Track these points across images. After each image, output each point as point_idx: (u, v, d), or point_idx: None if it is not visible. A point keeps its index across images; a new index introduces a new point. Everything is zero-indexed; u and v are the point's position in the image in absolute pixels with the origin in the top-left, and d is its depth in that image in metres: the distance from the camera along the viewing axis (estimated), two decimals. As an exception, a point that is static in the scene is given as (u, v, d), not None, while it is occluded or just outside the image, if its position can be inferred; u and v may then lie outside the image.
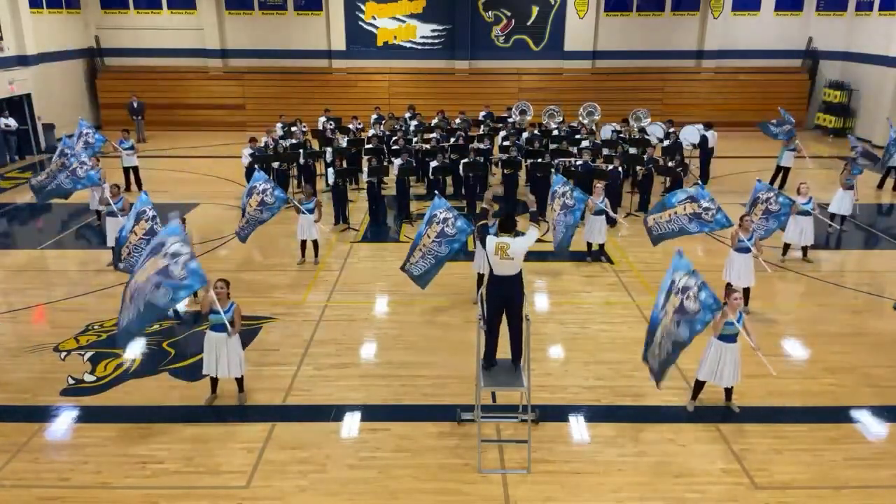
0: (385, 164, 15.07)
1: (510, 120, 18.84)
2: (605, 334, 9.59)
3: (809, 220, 11.79)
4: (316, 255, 12.22)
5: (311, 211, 11.76)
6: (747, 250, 9.78)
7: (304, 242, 12.03)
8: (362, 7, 24.56)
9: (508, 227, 6.92)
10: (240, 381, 7.86)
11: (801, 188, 11.81)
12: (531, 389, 7.01)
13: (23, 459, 6.93)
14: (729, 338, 7.35)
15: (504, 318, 7.00)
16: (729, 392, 7.78)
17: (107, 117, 24.27)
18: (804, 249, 12.23)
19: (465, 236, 10.01)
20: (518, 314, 6.91)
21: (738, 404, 7.78)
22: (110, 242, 11.77)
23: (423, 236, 9.80)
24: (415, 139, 16.79)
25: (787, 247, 12.21)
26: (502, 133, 17.12)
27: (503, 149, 15.95)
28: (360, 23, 24.71)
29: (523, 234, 6.98)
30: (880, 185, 17.13)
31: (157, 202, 13.64)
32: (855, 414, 7.74)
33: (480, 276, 10.28)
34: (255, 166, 14.95)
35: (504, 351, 7.19)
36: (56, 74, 22.43)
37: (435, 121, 18.34)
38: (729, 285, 10.20)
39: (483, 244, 7.00)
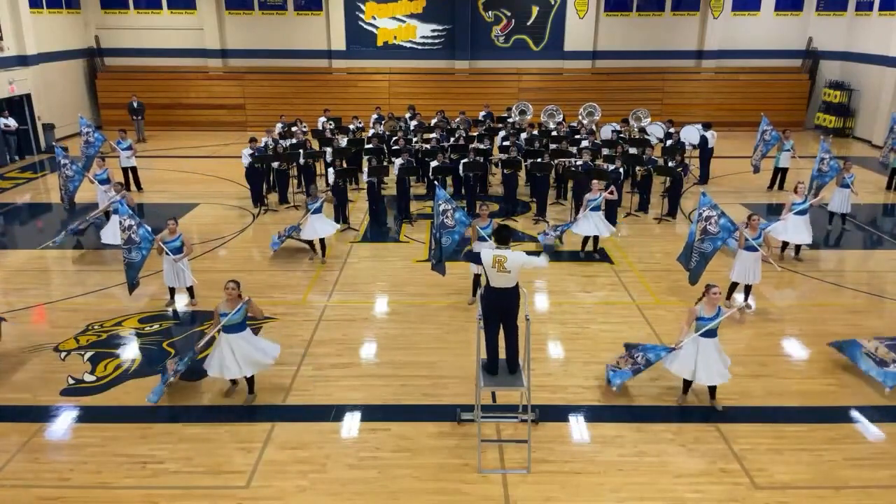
0: (385, 164, 15.07)
1: (510, 120, 18.83)
2: (605, 334, 9.57)
3: (805, 220, 11.77)
4: (323, 254, 12.28)
5: (319, 210, 11.88)
6: (755, 249, 9.82)
7: (311, 241, 12.03)
8: (362, 7, 24.55)
9: (504, 240, 6.85)
10: (251, 382, 7.86)
11: (798, 188, 11.82)
12: (531, 389, 7.01)
13: (23, 459, 6.92)
14: (708, 333, 7.41)
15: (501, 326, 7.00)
16: (713, 390, 7.77)
17: (107, 117, 24.26)
18: (797, 248, 12.25)
19: (463, 228, 10.20)
20: (514, 325, 6.93)
21: (740, 404, 7.78)
22: (115, 240, 11.81)
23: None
24: (415, 139, 16.78)
25: (798, 247, 12.21)
26: (502, 133, 17.13)
27: (503, 149, 15.94)
28: (360, 23, 24.71)
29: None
30: (889, 187, 17.10)
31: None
32: (855, 414, 7.74)
33: (477, 277, 10.29)
34: (256, 166, 15.04)
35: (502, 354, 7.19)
36: (56, 74, 22.42)
37: (435, 121, 18.34)
38: (734, 285, 10.25)
39: (477, 262, 6.95)
